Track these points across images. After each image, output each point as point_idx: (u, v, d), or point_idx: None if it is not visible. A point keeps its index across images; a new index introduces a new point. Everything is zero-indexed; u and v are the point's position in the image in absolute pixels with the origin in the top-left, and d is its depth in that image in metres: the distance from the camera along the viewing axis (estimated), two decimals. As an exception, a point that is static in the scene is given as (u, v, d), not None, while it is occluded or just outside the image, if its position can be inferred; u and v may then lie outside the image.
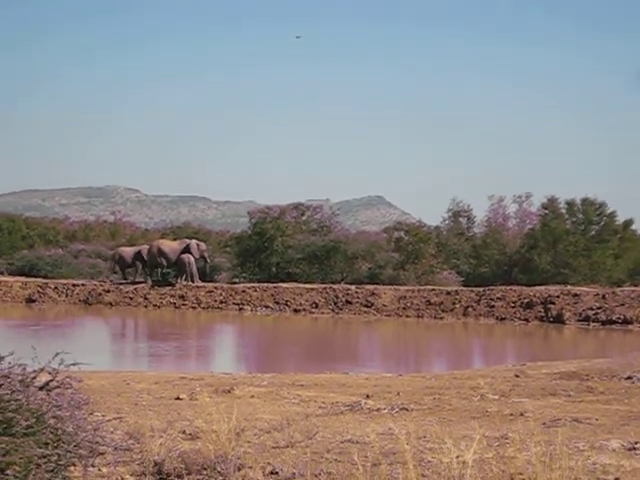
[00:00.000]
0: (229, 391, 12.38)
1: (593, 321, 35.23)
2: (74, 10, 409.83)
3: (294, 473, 6.66)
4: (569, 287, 39.42)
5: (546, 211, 49.58)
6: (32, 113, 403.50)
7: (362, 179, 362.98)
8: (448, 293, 39.90)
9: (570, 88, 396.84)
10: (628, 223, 49.57)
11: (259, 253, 48.07)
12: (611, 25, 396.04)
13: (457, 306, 38.73)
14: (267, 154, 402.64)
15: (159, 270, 45.65)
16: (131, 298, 43.34)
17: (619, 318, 34.77)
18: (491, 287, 40.14)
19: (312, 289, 41.87)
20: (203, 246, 46.37)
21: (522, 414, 9.74)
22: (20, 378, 5.92)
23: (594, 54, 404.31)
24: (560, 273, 45.61)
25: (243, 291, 42.45)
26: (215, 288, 43.42)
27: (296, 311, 40.41)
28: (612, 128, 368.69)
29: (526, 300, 37.75)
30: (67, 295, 44.09)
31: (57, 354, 6.10)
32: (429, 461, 6.99)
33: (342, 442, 8.08)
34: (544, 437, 6.49)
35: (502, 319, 37.15)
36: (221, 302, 41.99)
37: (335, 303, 40.56)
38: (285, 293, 41.71)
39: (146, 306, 42.53)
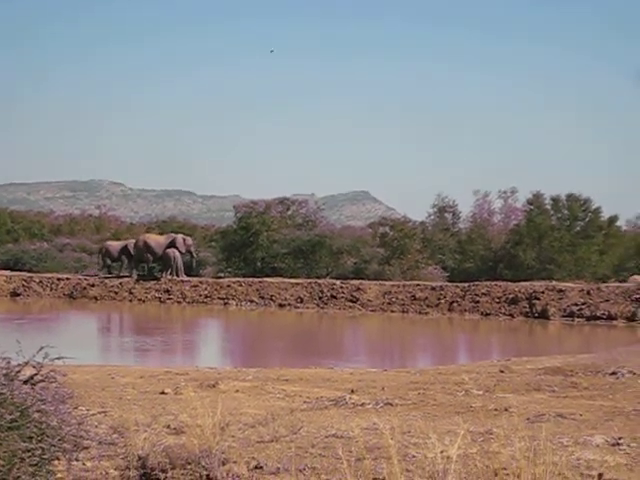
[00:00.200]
0: (214, 386, 12.36)
1: (578, 317, 35.40)
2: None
3: (279, 468, 6.67)
4: (554, 283, 39.58)
5: (531, 207, 49.66)
6: (17, 107, 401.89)
7: (347, 174, 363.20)
8: (433, 288, 39.97)
9: (570, 87, 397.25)
10: (613, 219, 49.75)
11: (244, 248, 48.08)
12: (611, 24, 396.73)
13: (442, 301, 38.81)
14: (252, 148, 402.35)
15: (145, 265, 45.60)
16: (116, 292, 43.28)
17: (604, 314, 34.93)
18: (476, 282, 40.24)
19: (297, 284, 41.89)
20: (189, 241, 46.35)
21: (506, 409, 9.76)
22: (4, 372, 5.89)
23: (594, 54, 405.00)
24: (545, 269, 45.75)
25: (228, 286, 42.43)
26: (200, 282, 43.39)
27: (281, 306, 40.41)
28: (612, 127, 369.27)
29: (511, 296, 37.87)
30: (52, 289, 44.02)
31: (41, 348, 6.07)
32: (413, 456, 7.00)
33: (327, 437, 8.08)
34: (528, 432, 6.50)
35: (487, 314, 37.27)
36: (206, 297, 41.97)
37: (320, 298, 40.58)
38: (270, 288, 41.71)
39: (131, 300, 42.48)
